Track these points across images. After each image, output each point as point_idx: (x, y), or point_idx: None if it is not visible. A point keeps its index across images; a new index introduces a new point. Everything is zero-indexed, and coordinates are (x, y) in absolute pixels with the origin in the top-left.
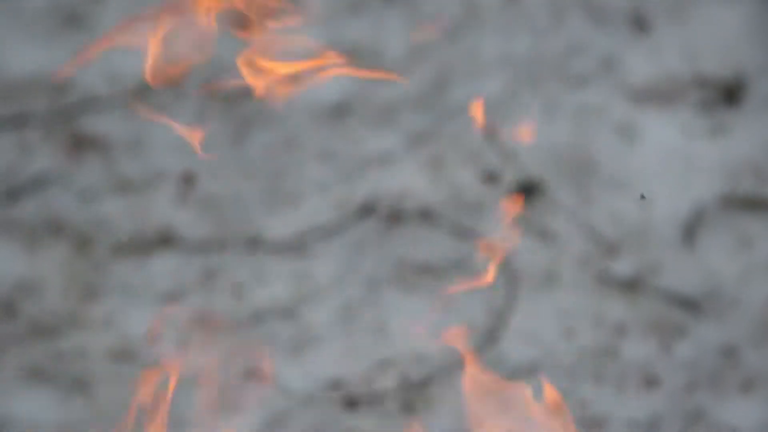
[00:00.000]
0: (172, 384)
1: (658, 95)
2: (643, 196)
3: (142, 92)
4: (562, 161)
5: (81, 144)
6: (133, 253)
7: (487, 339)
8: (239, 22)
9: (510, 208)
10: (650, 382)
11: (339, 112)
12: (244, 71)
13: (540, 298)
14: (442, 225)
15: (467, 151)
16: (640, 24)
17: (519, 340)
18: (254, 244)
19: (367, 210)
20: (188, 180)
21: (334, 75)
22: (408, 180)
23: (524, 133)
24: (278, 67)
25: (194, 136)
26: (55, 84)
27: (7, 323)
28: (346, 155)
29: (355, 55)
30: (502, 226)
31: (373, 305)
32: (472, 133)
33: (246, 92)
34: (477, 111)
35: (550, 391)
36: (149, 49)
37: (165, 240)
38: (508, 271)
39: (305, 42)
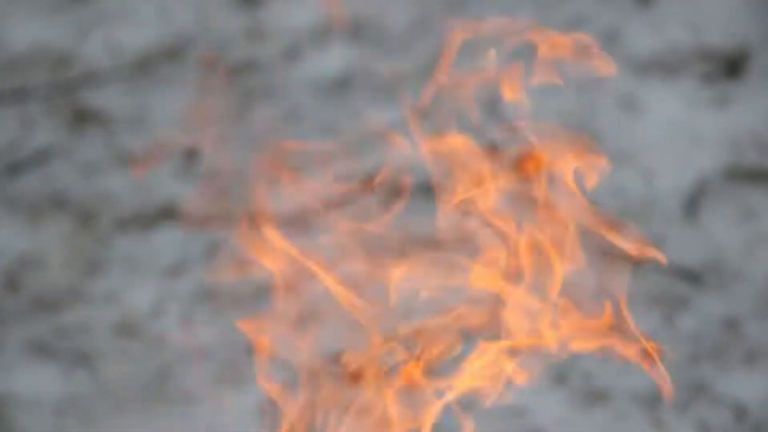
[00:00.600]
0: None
1: (661, 67)
2: None
3: (144, 65)
4: (565, 134)
5: (83, 118)
6: (135, 227)
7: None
8: None
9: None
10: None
11: (341, 85)
12: (247, 43)
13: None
14: (444, 199)
15: (469, 124)
16: None
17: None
18: (257, 218)
19: (369, 184)
20: (191, 154)
21: (337, 48)
22: (410, 153)
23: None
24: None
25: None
26: (57, 58)
27: (10, 298)
28: (347, 129)
29: (357, 29)
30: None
31: (377, 278)
32: (474, 106)
33: (249, 65)
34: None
35: None
36: None
37: (168, 214)
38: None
39: (308, 15)
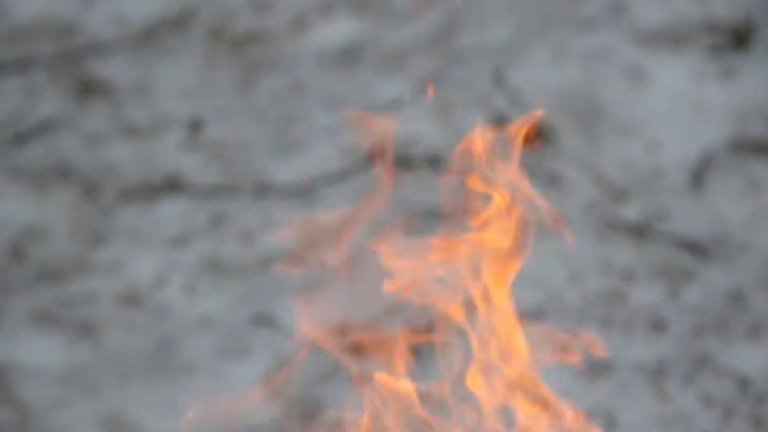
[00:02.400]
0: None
1: (667, 39)
2: None
3: (149, 35)
4: (571, 106)
5: (88, 88)
6: (140, 197)
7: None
8: None
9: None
10: (657, 326)
11: (347, 57)
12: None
13: (547, 243)
14: (450, 170)
15: (475, 96)
16: None
17: (526, 284)
18: (262, 189)
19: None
20: (196, 125)
21: (343, 19)
22: (416, 125)
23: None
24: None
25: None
26: (62, 27)
27: (15, 267)
28: (353, 101)
29: (363, 0)
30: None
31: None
32: (481, 78)
33: (254, 36)
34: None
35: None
36: None
37: (172, 185)
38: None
39: None
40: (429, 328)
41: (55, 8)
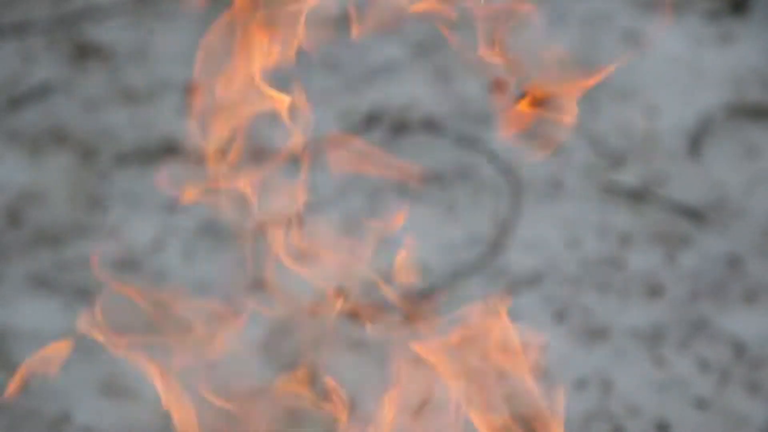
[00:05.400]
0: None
1: (665, 3)
2: None
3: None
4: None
5: (84, 52)
6: (136, 162)
7: (492, 248)
8: None
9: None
10: (654, 291)
11: (344, 20)
12: None
13: (545, 208)
14: (447, 135)
15: (472, 61)
16: None
17: (523, 249)
18: (259, 154)
19: (372, 120)
20: (192, 90)
21: None
22: (412, 90)
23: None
24: None
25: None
26: None
27: (12, 232)
28: (350, 65)
29: None
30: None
31: (377, 215)
32: (478, 42)
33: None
34: None
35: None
36: None
37: (169, 149)
38: (513, 180)
39: None
40: (427, 294)
41: None
